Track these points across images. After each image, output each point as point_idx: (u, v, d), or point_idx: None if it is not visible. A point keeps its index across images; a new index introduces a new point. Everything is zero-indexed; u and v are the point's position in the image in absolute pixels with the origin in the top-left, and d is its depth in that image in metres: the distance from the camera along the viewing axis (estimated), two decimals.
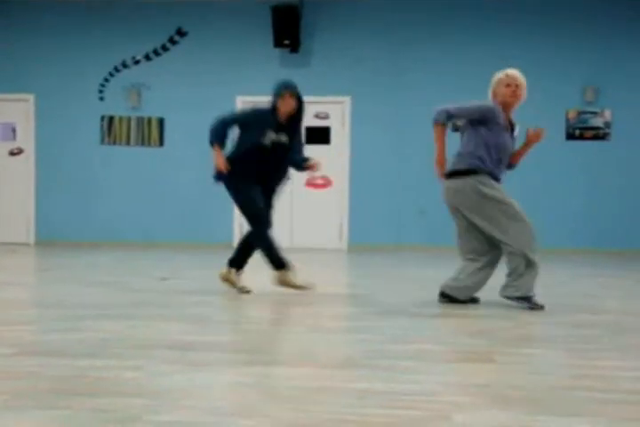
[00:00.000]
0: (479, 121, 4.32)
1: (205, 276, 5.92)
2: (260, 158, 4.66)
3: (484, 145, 4.31)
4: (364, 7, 9.22)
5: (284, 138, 4.71)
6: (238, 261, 4.87)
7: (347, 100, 9.26)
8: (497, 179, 4.36)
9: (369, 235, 9.26)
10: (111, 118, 9.38)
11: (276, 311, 4.09)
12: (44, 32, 9.36)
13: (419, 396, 2.32)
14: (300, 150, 4.86)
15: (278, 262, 4.70)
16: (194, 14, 9.25)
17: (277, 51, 9.19)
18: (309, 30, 9.21)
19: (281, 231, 9.26)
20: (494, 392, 2.38)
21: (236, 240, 9.23)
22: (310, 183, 9.38)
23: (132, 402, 2.22)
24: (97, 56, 9.35)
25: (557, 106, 9.14)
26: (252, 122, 4.65)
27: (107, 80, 9.37)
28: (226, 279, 4.88)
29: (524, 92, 4.40)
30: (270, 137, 4.64)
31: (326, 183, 9.40)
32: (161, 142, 9.37)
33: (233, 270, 4.88)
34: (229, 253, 8.46)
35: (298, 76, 9.24)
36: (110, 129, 9.38)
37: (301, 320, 3.78)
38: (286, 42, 8.90)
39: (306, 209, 9.37)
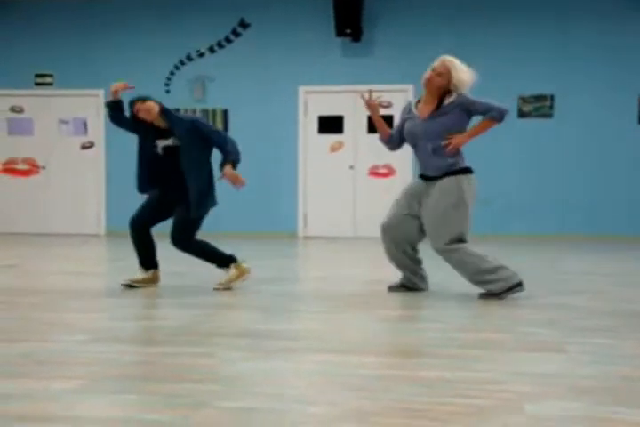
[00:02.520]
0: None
1: (271, 265, 5.98)
2: (155, 167, 4.63)
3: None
4: None
5: (175, 142, 4.51)
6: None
7: (410, 88, 9.16)
8: (423, 175, 4.33)
9: None
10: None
11: (341, 301, 4.10)
12: (111, 29, 9.57)
13: (488, 385, 2.30)
14: (217, 144, 4.64)
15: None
16: (256, 6, 9.30)
17: (339, 40, 9.16)
18: (371, 19, 9.15)
19: (344, 220, 9.26)
20: (566, 382, 2.33)
21: (301, 230, 9.28)
22: (373, 172, 9.34)
23: (203, 388, 2.26)
24: (163, 50, 9.51)
25: (628, 91, 8.84)
26: None
27: (172, 73, 9.53)
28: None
29: (442, 78, 4.30)
30: (159, 145, 4.55)
31: (389, 172, 9.35)
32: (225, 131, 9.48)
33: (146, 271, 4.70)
34: (294, 243, 8.52)
35: (360, 65, 9.20)
36: None
37: (367, 309, 3.78)
38: (348, 31, 8.85)
39: (368, 198, 9.34)
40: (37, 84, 9.66)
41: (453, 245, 4.19)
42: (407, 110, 4.45)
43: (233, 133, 9.46)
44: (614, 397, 2.18)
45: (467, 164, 4.34)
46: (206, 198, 4.56)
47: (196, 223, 4.55)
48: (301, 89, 9.27)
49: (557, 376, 2.41)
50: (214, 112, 9.47)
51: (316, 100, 9.34)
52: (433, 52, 9.17)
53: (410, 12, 9.12)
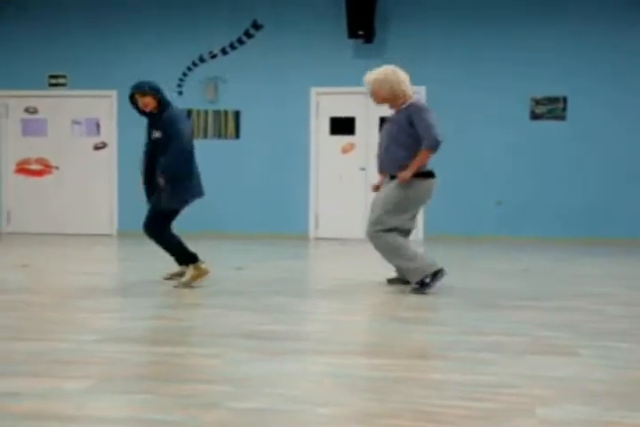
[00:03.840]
0: None
1: (281, 266, 5.98)
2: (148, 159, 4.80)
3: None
4: None
5: (156, 134, 4.67)
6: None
7: (422, 89, 9.15)
8: (379, 169, 4.70)
9: (444, 225, 9.15)
10: (189, 112, 9.57)
11: (350, 302, 4.10)
12: (124, 30, 9.61)
13: (498, 388, 2.28)
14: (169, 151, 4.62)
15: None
16: (269, 7, 9.32)
17: (351, 41, 9.16)
18: (384, 20, 9.14)
19: (356, 222, 9.25)
20: (578, 386, 2.32)
21: (312, 232, 9.29)
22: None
23: (212, 389, 2.26)
24: (175, 51, 9.54)
25: None
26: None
27: (185, 75, 9.55)
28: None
29: (381, 94, 4.57)
30: (151, 136, 4.73)
31: None
32: (237, 135, 9.50)
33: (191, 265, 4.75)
34: (305, 244, 8.53)
35: (372, 67, 9.18)
36: None
37: (376, 310, 3.77)
38: (360, 32, 8.85)
39: None
40: (51, 84, 9.71)
41: (380, 233, 4.50)
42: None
43: (245, 135, 9.48)
44: (627, 401, 2.16)
45: (428, 168, 4.61)
46: (178, 192, 4.59)
47: (168, 215, 4.64)
48: (313, 90, 9.27)
49: (570, 380, 2.39)
50: (226, 113, 9.49)
51: (327, 102, 9.34)
52: (445, 53, 9.19)
53: (422, 13, 9.11)
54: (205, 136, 9.55)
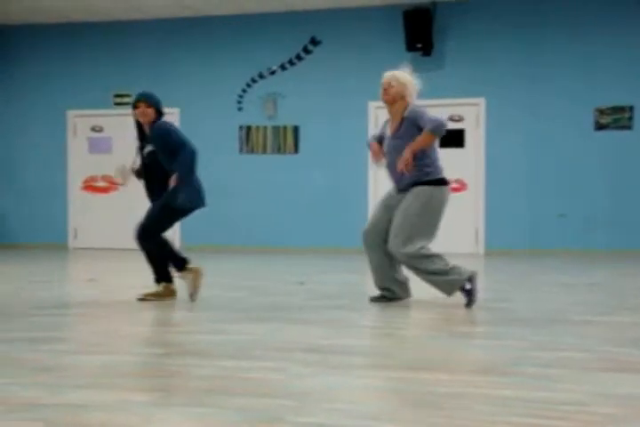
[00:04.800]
0: None
1: (341, 280, 5.97)
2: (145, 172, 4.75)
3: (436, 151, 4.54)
4: (496, 7, 9.00)
5: (150, 147, 4.64)
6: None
7: (481, 101, 9.06)
8: (397, 187, 4.48)
9: (506, 239, 8.99)
10: (249, 128, 9.70)
11: (412, 316, 4.05)
12: (186, 49, 9.83)
13: (567, 406, 2.22)
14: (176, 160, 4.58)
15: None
16: (327, 23, 9.39)
17: (410, 55, 9.13)
18: (442, 33, 9.10)
19: None
20: None
21: None
22: None
23: (276, 403, 2.26)
24: (235, 68, 9.70)
25: None
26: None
27: (244, 91, 9.70)
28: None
29: (395, 89, 4.50)
30: (145, 150, 4.69)
31: (461, 187, 9.23)
32: (296, 150, 9.56)
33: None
34: (364, 258, 8.48)
35: (431, 80, 9.11)
36: (248, 138, 9.70)
37: (439, 325, 3.72)
38: (419, 45, 8.83)
39: None
40: (116, 104, 9.99)
41: (408, 248, 4.29)
42: (383, 127, 4.72)
43: (304, 149, 9.54)
44: None
45: (442, 175, 4.46)
46: (189, 189, 4.55)
47: (169, 216, 4.58)
48: (371, 104, 9.27)
49: None
50: (285, 129, 9.58)
51: (385, 115, 9.30)
52: (504, 65, 9.08)
53: (480, 25, 9.04)
54: (265, 151, 9.65)
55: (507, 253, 8.88)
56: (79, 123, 10.19)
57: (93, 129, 10.18)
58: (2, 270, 7.01)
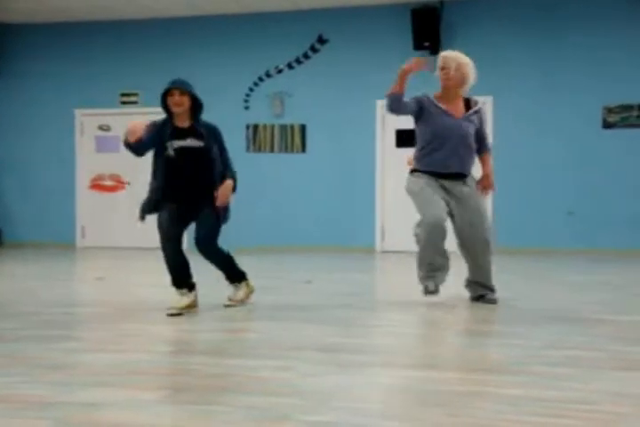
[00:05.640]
0: (416, 116, 4.41)
1: (349, 279, 5.96)
2: (170, 172, 4.25)
3: (422, 141, 4.37)
4: (504, 4, 8.97)
5: (193, 142, 4.25)
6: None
7: (489, 99, 9.03)
8: (440, 174, 4.33)
9: (514, 237, 8.96)
10: (256, 126, 9.70)
11: (421, 315, 4.05)
12: (193, 47, 9.83)
13: (577, 404, 2.21)
14: (223, 159, 4.38)
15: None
16: (334, 21, 9.38)
17: (418, 53, 9.12)
18: (450, 31, 9.07)
19: None
20: None
21: (379, 245, 9.24)
22: None
23: (284, 401, 2.27)
24: (242, 67, 9.70)
25: None
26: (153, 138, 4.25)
27: (251, 90, 9.70)
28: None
29: (459, 73, 4.37)
30: (172, 146, 4.23)
31: None
32: (303, 148, 9.56)
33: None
34: (371, 257, 8.47)
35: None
36: (255, 137, 9.70)
37: (449, 324, 3.71)
38: (426, 44, 8.81)
39: None
40: (123, 102, 10.00)
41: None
42: (429, 102, 4.43)
43: (311, 148, 9.54)
44: None
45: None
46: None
47: (220, 227, 4.42)
48: (379, 103, 9.26)
49: None
50: (292, 127, 9.58)
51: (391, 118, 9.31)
52: (513, 63, 9.05)
53: (488, 23, 9.01)
54: (272, 150, 9.65)
55: (515, 251, 8.86)
56: (86, 122, 10.21)
57: (101, 128, 10.20)
58: (11, 269, 7.04)
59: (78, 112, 10.15)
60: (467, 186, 4.38)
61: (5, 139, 10.38)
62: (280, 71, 9.57)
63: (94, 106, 10.10)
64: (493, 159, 9.17)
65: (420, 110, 4.38)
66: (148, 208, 4.33)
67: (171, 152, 4.23)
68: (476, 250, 4.32)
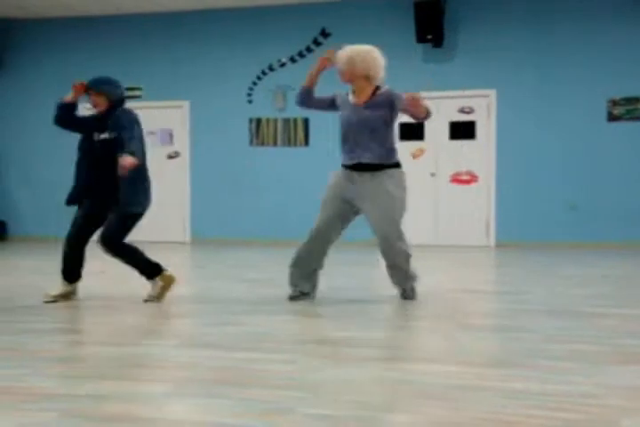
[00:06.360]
0: (334, 111, 4.45)
1: (352, 273, 5.97)
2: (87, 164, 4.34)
3: (340, 134, 4.33)
4: None
5: (105, 135, 4.29)
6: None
7: (492, 93, 9.01)
8: (350, 165, 4.25)
9: (517, 232, 8.96)
10: (259, 120, 9.69)
11: (424, 309, 4.05)
12: (195, 41, 9.82)
13: (579, 398, 2.22)
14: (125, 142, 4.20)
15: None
16: (337, 15, 9.36)
17: (420, 46, 9.10)
18: (453, 24, 9.05)
19: (425, 228, 9.17)
20: None
21: None
22: (455, 179, 9.21)
23: (287, 394, 2.27)
24: (245, 61, 9.69)
25: None
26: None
27: (254, 84, 9.68)
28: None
29: (350, 66, 4.23)
30: (97, 137, 4.31)
31: (472, 178, 9.20)
32: (306, 142, 9.56)
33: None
34: (373, 251, 8.47)
35: (441, 71, 9.11)
36: (258, 131, 9.70)
37: (451, 318, 3.72)
38: (429, 37, 8.79)
39: (450, 205, 9.22)
40: (127, 97, 10.00)
41: (403, 237, 4.23)
42: (342, 97, 4.41)
43: (314, 142, 9.53)
44: None
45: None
46: (138, 195, 4.29)
47: (127, 223, 4.28)
48: None
49: None
50: (295, 121, 9.57)
51: None
52: (516, 56, 9.02)
53: (492, 16, 8.98)
54: (275, 144, 9.65)
55: (518, 245, 8.86)
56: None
57: None
58: (15, 263, 7.06)
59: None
60: (376, 181, 4.17)
61: (10, 133, 10.40)
62: (283, 65, 9.55)
63: None
64: (496, 151, 9.15)
65: (333, 105, 4.43)
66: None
67: (97, 142, 4.36)
68: (382, 248, 4.24)
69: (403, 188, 4.25)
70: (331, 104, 4.45)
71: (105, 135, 4.31)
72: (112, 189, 4.25)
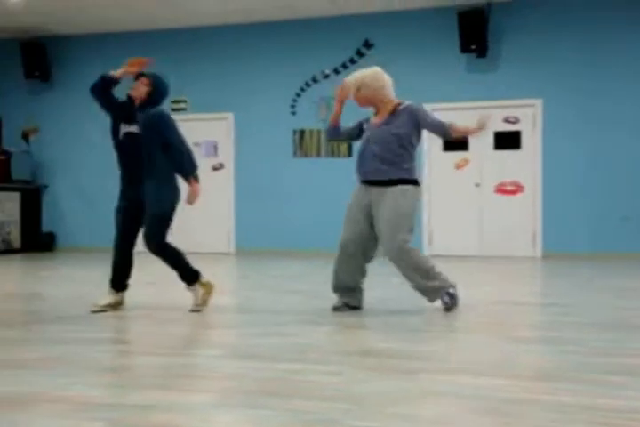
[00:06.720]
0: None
1: (397, 284, 5.94)
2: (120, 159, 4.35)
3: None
4: (553, 5, 8.83)
5: (133, 128, 4.27)
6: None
7: (538, 102, 8.90)
8: (365, 180, 4.35)
9: (564, 242, 8.81)
10: (302, 132, 9.75)
11: (469, 320, 4.01)
12: (240, 54, 9.94)
13: (630, 413, 2.16)
14: (176, 154, 4.25)
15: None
16: (380, 25, 9.37)
17: (464, 56, 9.06)
18: (497, 34, 8.98)
19: (470, 238, 9.07)
20: None
21: (426, 248, 9.18)
22: (500, 189, 9.11)
23: (333, 406, 2.27)
24: (289, 73, 9.76)
25: None
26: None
27: (298, 95, 9.75)
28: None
29: (363, 93, 4.37)
30: (123, 130, 4.29)
31: (517, 189, 9.09)
32: (349, 153, 9.56)
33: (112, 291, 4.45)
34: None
35: (485, 81, 9.04)
36: (302, 142, 9.75)
37: (498, 330, 3.67)
38: (473, 47, 8.75)
39: (495, 216, 9.12)
40: (173, 109, 10.15)
41: (408, 245, 4.23)
42: (367, 121, 4.55)
43: (356, 153, 9.53)
44: None
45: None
46: (162, 194, 4.32)
47: (160, 222, 4.29)
48: (426, 106, 9.20)
49: None
50: None
51: (441, 117, 9.25)
52: (562, 65, 8.91)
53: (536, 26, 8.88)
54: (318, 155, 9.69)
55: (565, 256, 8.70)
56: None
57: None
58: (64, 273, 7.20)
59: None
60: (386, 195, 4.22)
61: (59, 145, 10.66)
62: (326, 76, 9.60)
63: None
64: (542, 161, 9.04)
65: (362, 130, 4.54)
66: None
67: (120, 136, 4.38)
68: (391, 260, 4.29)
69: (410, 204, 4.26)
70: (360, 130, 4.57)
71: (132, 128, 4.31)
72: (141, 187, 4.32)
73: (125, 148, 4.34)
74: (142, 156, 4.26)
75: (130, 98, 4.38)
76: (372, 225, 4.34)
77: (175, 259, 4.38)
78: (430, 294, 4.29)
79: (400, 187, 4.24)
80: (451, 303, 4.28)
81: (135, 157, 4.30)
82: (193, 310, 4.34)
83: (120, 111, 4.38)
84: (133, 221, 4.44)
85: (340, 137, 4.67)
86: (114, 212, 4.52)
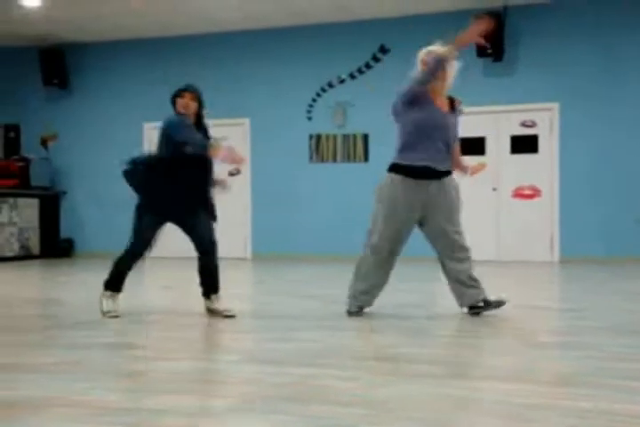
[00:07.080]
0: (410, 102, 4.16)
1: (415, 288, 5.92)
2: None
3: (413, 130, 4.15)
4: (571, 9, 8.79)
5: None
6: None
7: (555, 106, 8.86)
8: (434, 170, 4.07)
9: (582, 247, 8.74)
10: (318, 137, 9.76)
11: (487, 325, 3.99)
12: (255, 60, 9.99)
13: None
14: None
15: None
16: (396, 31, 9.38)
17: (480, 60, 9.03)
18: (513, 37, 8.95)
19: (487, 243, 9.03)
20: None
21: None
22: (518, 193, 9.07)
23: (349, 411, 2.26)
24: (304, 78, 9.79)
25: None
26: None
27: (314, 100, 9.77)
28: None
29: (449, 70, 4.26)
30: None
31: (534, 193, 9.04)
32: (366, 158, 9.57)
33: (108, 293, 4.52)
34: (437, 266, 8.37)
35: (502, 85, 9.01)
36: (318, 147, 9.76)
37: (515, 335, 3.64)
38: (489, 51, 8.72)
39: (513, 220, 9.07)
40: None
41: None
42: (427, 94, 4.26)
43: (373, 157, 9.53)
44: None
45: None
46: (158, 198, 4.67)
47: (136, 221, 4.63)
48: None
49: None
50: (354, 137, 9.59)
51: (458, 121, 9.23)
52: (579, 69, 8.86)
53: (552, 29, 8.85)
54: (335, 160, 9.69)
55: (583, 260, 8.63)
56: (155, 135, 10.44)
57: None
58: (82, 279, 7.25)
59: (147, 126, 10.41)
60: (447, 186, 4.20)
61: (77, 152, 10.75)
62: (342, 81, 9.62)
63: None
64: (559, 165, 9.01)
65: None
66: None
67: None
68: (460, 258, 4.38)
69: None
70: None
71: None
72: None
73: (195, 161, 4.53)
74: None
75: (180, 114, 4.51)
76: (420, 224, 4.27)
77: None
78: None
79: (453, 178, 4.27)
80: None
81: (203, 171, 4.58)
82: (227, 315, 4.31)
83: (202, 139, 4.52)
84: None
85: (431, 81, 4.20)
86: (143, 223, 4.74)
